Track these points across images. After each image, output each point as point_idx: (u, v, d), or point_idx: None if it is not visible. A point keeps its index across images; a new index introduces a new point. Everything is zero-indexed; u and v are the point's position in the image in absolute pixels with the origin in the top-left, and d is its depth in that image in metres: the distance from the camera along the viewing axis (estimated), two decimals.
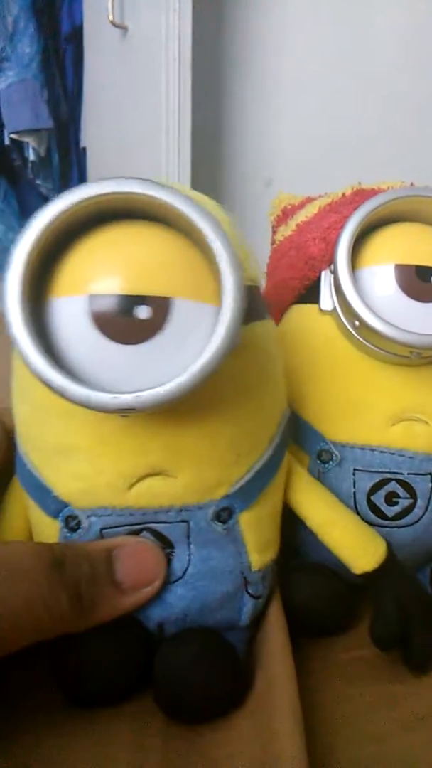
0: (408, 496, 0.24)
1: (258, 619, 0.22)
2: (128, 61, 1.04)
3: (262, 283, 0.27)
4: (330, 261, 0.23)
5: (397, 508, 0.24)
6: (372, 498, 0.24)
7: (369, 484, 0.24)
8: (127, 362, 0.16)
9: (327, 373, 0.24)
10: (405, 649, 0.22)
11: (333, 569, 0.23)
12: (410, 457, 0.23)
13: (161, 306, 0.16)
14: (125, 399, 0.15)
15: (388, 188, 0.24)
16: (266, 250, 0.29)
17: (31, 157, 1.24)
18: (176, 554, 0.20)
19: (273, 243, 0.29)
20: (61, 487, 0.19)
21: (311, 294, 0.24)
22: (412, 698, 0.21)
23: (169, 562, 0.20)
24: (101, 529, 0.19)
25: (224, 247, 0.16)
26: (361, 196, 0.25)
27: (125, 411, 0.16)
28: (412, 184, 0.23)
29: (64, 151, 1.31)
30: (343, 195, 0.26)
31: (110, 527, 0.19)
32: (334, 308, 0.23)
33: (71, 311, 0.16)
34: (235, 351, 0.16)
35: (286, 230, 0.27)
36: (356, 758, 0.19)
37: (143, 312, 0.16)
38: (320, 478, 0.24)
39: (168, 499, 0.19)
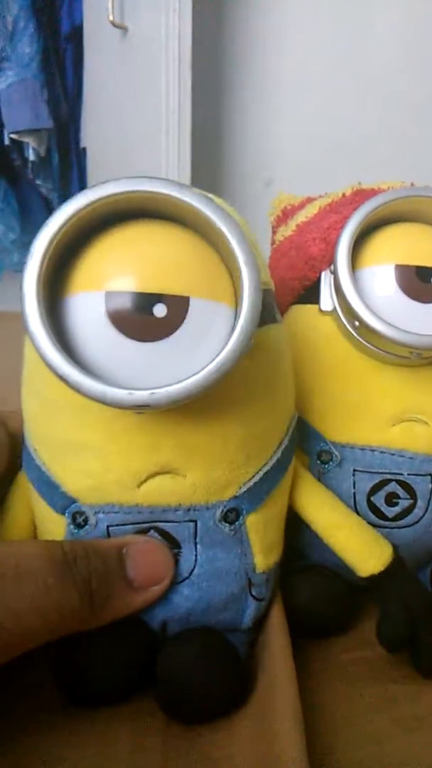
0: (408, 496, 0.24)
1: (260, 622, 0.22)
2: (128, 61, 1.04)
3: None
4: (330, 261, 0.23)
5: (397, 509, 0.24)
6: (372, 499, 0.24)
7: (369, 485, 0.24)
8: (142, 359, 0.17)
9: (327, 374, 0.24)
10: (413, 650, 0.22)
11: (333, 570, 0.23)
12: (410, 458, 0.23)
13: (178, 305, 0.17)
14: (141, 396, 0.16)
15: (388, 188, 0.24)
16: (266, 250, 0.29)
17: (31, 157, 1.23)
18: (183, 554, 0.20)
19: (273, 243, 0.29)
20: (69, 483, 0.19)
21: (311, 294, 0.24)
22: (412, 699, 0.21)
23: (176, 562, 0.20)
24: (108, 527, 0.19)
25: (244, 250, 0.16)
26: (361, 196, 0.25)
27: (140, 408, 0.16)
28: (412, 184, 0.23)
29: (64, 151, 1.30)
30: (343, 195, 0.26)
31: (117, 525, 0.19)
32: (334, 308, 0.23)
33: (88, 308, 0.17)
34: (249, 353, 0.16)
35: (286, 230, 0.27)
36: (356, 758, 0.19)
37: (160, 310, 0.16)
38: (320, 478, 0.24)
39: (177, 498, 0.19)
